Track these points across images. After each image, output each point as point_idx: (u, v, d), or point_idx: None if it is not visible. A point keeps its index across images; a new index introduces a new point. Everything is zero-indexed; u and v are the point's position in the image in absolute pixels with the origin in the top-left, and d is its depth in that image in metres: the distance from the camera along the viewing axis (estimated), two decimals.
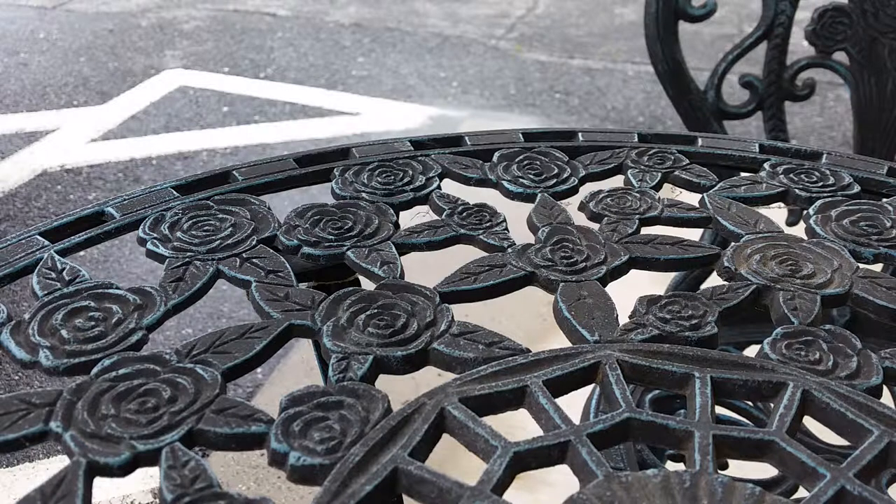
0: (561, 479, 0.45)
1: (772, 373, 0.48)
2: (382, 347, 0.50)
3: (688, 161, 0.73)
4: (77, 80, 3.37)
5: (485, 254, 0.60)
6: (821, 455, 0.42)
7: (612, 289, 0.57)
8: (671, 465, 0.82)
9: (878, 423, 0.44)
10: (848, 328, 0.52)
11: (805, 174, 0.71)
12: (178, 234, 0.61)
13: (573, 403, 0.53)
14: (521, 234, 0.63)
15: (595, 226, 0.64)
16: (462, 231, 0.63)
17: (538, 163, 0.72)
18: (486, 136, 0.76)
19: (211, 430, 0.44)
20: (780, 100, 1.20)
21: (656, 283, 0.75)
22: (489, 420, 0.44)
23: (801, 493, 0.43)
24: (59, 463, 1.19)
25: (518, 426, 0.51)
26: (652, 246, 0.61)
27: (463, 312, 0.52)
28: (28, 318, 0.52)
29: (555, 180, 0.70)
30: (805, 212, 0.66)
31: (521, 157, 0.73)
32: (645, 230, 0.64)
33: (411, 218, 0.66)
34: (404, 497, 0.42)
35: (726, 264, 0.59)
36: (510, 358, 0.48)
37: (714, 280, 0.59)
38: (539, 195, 0.68)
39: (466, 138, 0.76)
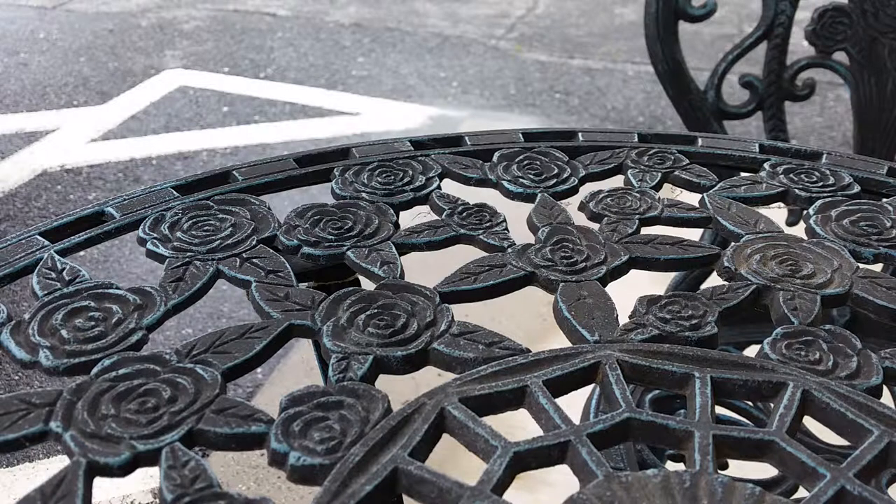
0: (561, 479, 0.45)
1: (772, 373, 0.48)
2: (382, 347, 0.50)
3: (688, 161, 0.73)
4: (77, 80, 3.37)
5: (485, 254, 0.60)
6: (821, 455, 0.42)
7: (612, 289, 0.57)
8: (671, 465, 0.82)
9: (878, 423, 0.44)
10: (848, 328, 0.52)
11: (805, 174, 0.71)
12: (178, 234, 0.61)
13: (573, 403, 0.53)
14: (521, 234, 0.63)
15: (595, 226, 0.64)
16: (462, 231, 0.63)
17: (538, 163, 0.72)
18: (486, 136, 0.76)
19: (211, 430, 0.44)
20: (780, 100, 1.20)
21: (656, 283, 0.75)
22: (489, 420, 0.44)
23: (801, 493, 0.43)
24: (59, 463, 1.19)
25: (518, 426, 0.51)
26: (652, 246, 0.61)
27: (463, 312, 0.52)
28: (28, 318, 0.52)
29: (555, 180, 0.70)
30: (805, 212, 0.66)
31: (521, 157, 0.73)
32: (645, 230, 0.64)
33: (412, 218, 0.66)
34: (404, 497, 0.42)
35: (726, 264, 0.59)
36: (510, 358, 0.48)
37: (714, 280, 0.59)
38: (539, 195, 0.68)
39: (466, 138, 0.76)
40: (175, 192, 0.67)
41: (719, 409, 0.68)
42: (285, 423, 0.43)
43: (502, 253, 0.60)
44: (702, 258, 0.60)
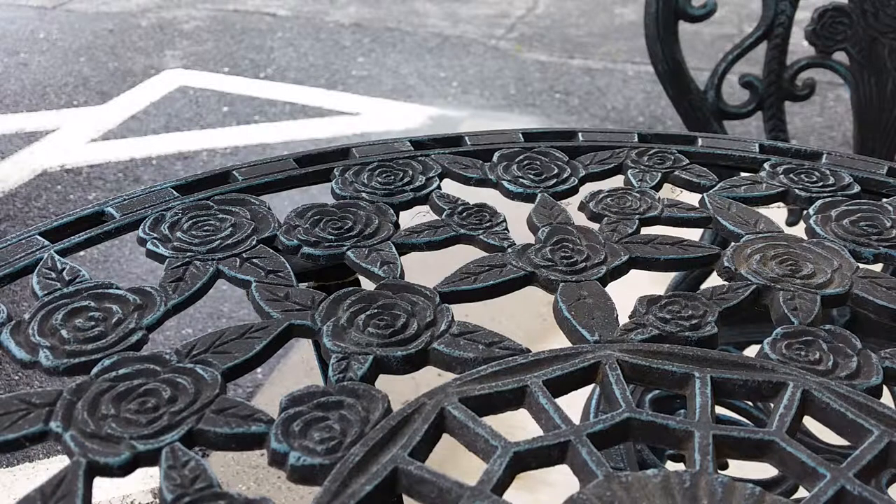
0: (561, 479, 0.45)
1: (772, 373, 0.48)
2: (382, 347, 0.50)
3: (688, 161, 0.73)
4: (77, 80, 3.37)
5: (485, 254, 0.60)
6: (821, 455, 0.42)
7: (612, 289, 0.57)
8: (671, 465, 0.82)
9: (878, 423, 0.44)
10: (848, 328, 0.52)
11: (805, 174, 0.71)
12: (178, 234, 0.61)
13: (573, 403, 0.53)
14: (521, 234, 0.63)
15: (595, 226, 0.64)
16: (462, 231, 0.63)
17: (538, 163, 0.72)
18: (486, 136, 0.76)
19: (211, 430, 0.44)
20: (780, 100, 1.20)
21: (656, 283, 0.75)
22: (489, 420, 0.44)
23: (801, 493, 0.43)
24: (59, 463, 1.19)
25: (518, 426, 0.51)
26: (652, 246, 0.61)
27: (463, 312, 0.52)
28: (28, 318, 0.52)
29: (555, 180, 0.70)
30: (805, 212, 0.66)
31: (521, 157, 0.73)
32: (645, 230, 0.64)
33: (411, 218, 0.66)
34: (404, 497, 0.42)
35: (726, 264, 0.59)
36: (510, 358, 0.48)
37: (714, 280, 0.59)
38: (539, 195, 0.68)
39: (466, 138, 0.76)
40: (175, 192, 0.67)
41: (719, 409, 0.68)
42: (285, 423, 0.43)
43: (502, 253, 0.60)
44: (702, 258, 0.60)
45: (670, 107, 1.46)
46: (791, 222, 1.00)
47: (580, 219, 0.65)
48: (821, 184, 0.69)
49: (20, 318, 0.52)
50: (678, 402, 0.93)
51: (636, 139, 0.78)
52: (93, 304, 0.53)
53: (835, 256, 0.59)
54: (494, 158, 0.73)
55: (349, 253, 0.60)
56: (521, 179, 0.70)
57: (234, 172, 0.69)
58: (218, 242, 0.60)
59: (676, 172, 0.71)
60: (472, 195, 0.68)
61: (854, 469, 0.41)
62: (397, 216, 0.65)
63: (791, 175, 0.71)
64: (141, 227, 0.62)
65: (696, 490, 0.39)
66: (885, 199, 0.67)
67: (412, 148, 0.75)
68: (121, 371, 0.47)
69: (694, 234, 0.71)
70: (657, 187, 0.70)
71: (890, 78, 1.13)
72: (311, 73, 3.44)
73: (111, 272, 2.16)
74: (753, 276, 0.57)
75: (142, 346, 0.51)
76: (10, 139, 2.88)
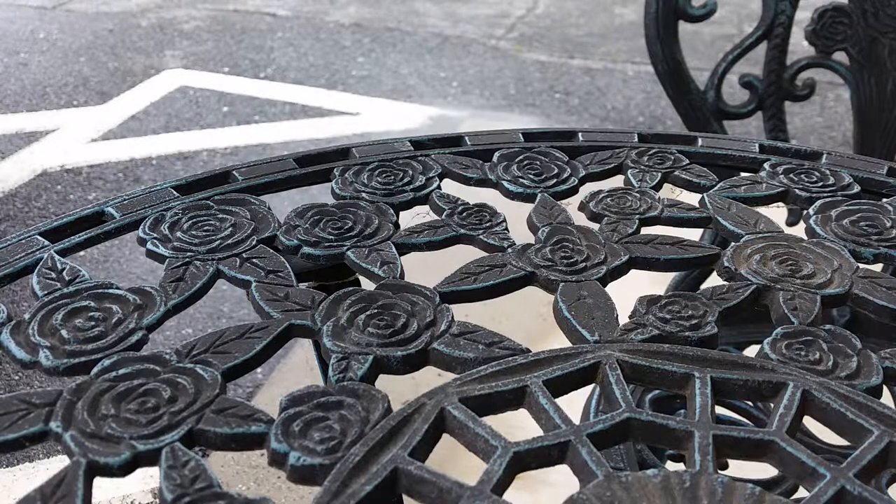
0: (561, 479, 0.45)
1: (772, 373, 0.48)
2: (382, 347, 0.50)
3: (688, 161, 0.73)
4: (77, 80, 3.37)
5: (485, 254, 0.60)
6: (821, 455, 0.42)
7: (612, 289, 0.57)
8: (671, 465, 0.82)
9: (878, 423, 0.44)
10: (848, 328, 0.52)
11: (805, 174, 0.71)
12: (178, 234, 0.61)
13: (573, 403, 0.53)
14: (521, 234, 0.63)
15: (595, 226, 0.64)
16: (462, 231, 0.63)
17: (538, 163, 0.72)
18: (486, 136, 0.76)
19: (211, 430, 0.44)
20: (780, 100, 1.20)
21: (656, 283, 0.75)
22: (489, 420, 0.44)
23: (801, 493, 0.43)
24: (59, 463, 1.19)
25: (518, 426, 0.51)
26: (652, 246, 0.61)
27: (463, 312, 0.52)
28: (28, 318, 0.52)
29: (555, 180, 0.70)
30: (805, 212, 0.66)
31: (521, 157, 0.73)
32: (645, 230, 0.64)
33: (411, 218, 0.66)
34: (404, 497, 0.42)
35: (726, 264, 0.59)
36: (510, 358, 0.48)
37: (714, 280, 0.59)
38: (539, 195, 0.68)
39: (466, 138, 0.76)
40: (175, 192, 0.67)
41: (719, 409, 0.68)
42: (285, 423, 0.43)
43: (502, 253, 0.60)
44: (702, 258, 0.60)
45: (670, 107, 1.46)
46: (791, 222, 1.00)
47: (580, 219, 0.65)
48: (821, 184, 0.69)
49: (20, 318, 0.52)
50: (678, 402, 0.93)
51: (636, 139, 0.78)
52: (93, 304, 0.53)
53: (835, 256, 0.59)
54: (494, 158, 0.73)
55: (349, 253, 0.60)
56: (521, 179, 0.70)
57: (234, 172, 0.69)
58: (218, 242, 0.60)
59: (676, 172, 0.71)
60: (472, 195, 0.68)
61: (854, 469, 0.41)
62: (397, 216, 0.65)
63: (791, 175, 0.71)
64: (141, 227, 0.62)
65: (696, 490, 0.39)
66: (885, 199, 0.67)
67: (412, 148, 0.75)
68: (121, 371, 0.47)
69: (694, 234, 0.71)
70: (657, 187, 0.70)
71: (890, 78, 1.13)
72: (311, 73, 3.44)
73: (111, 272, 2.16)
74: (753, 276, 0.57)
75: (142, 346, 0.51)
76: (10, 139, 2.88)
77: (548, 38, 3.80)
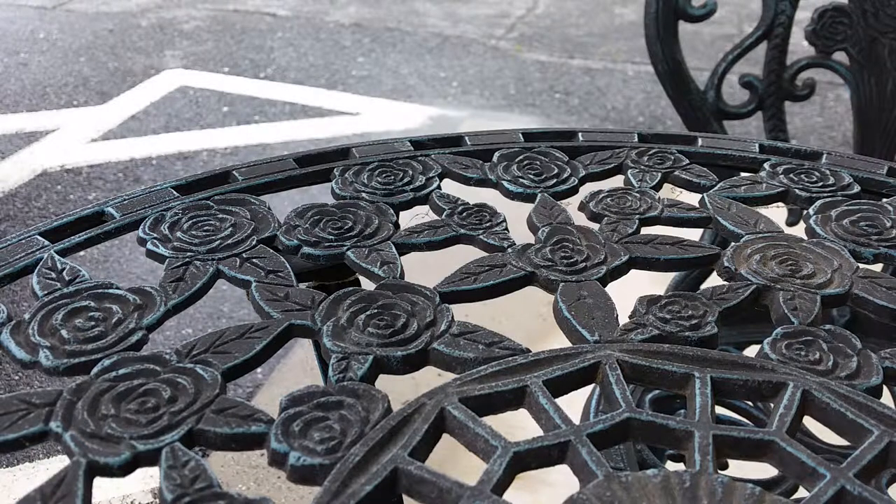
0: (561, 479, 0.45)
1: (772, 373, 0.48)
2: (382, 347, 0.50)
3: (688, 161, 0.73)
4: (77, 80, 3.37)
5: (485, 254, 0.60)
6: (821, 455, 0.42)
7: (612, 289, 0.57)
8: (671, 465, 0.82)
9: (878, 423, 0.44)
10: (848, 328, 0.52)
11: (805, 174, 0.71)
12: (178, 234, 0.61)
13: (573, 403, 0.53)
14: (521, 234, 0.63)
15: (595, 226, 0.64)
16: (462, 231, 0.63)
17: (538, 163, 0.72)
18: (486, 136, 0.76)
19: (211, 430, 0.44)
20: (780, 100, 1.20)
21: (656, 283, 0.75)
22: (489, 420, 0.44)
23: (801, 493, 0.43)
24: (59, 463, 1.19)
25: (518, 426, 0.51)
26: (652, 246, 0.61)
27: (463, 312, 0.52)
28: (28, 318, 0.52)
29: (555, 180, 0.70)
30: (805, 212, 0.66)
31: (521, 157, 0.73)
32: (645, 230, 0.64)
33: (411, 218, 0.66)
34: (404, 497, 0.42)
35: (726, 264, 0.59)
36: (510, 358, 0.48)
37: (714, 280, 0.59)
38: (539, 195, 0.68)
39: (466, 138, 0.76)
40: (175, 192, 0.67)
41: (719, 409, 0.68)
42: (285, 423, 0.43)
43: (502, 253, 0.60)
44: (702, 258, 0.60)
45: (670, 107, 1.46)
46: (791, 222, 1.00)
47: (580, 219, 0.65)
48: (821, 184, 0.69)
49: (20, 318, 0.52)
50: (678, 402, 0.93)
51: (636, 139, 0.78)
52: (93, 304, 0.53)
53: (835, 256, 0.59)
54: (494, 158, 0.73)
55: (349, 253, 0.60)
56: (521, 179, 0.70)
57: (234, 172, 0.69)
58: (218, 242, 0.60)
59: (676, 172, 0.71)
60: (472, 195, 0.68)
61: (854, 469, 0.41)
62: (397, 216, 0.65)
63: (791, 175, 0.71)
64: (141, 227, 0.62)
65: (696, 490, 0.39)
66: (885, 199, 0.67)
67: (412, 148, 0.75)
68: (121, 371, 0.47)
69: (694, 234, 0.71)
70: (657, 187, 0.70)
71: (890, 78, 1.13)
72: (311, 73, 3.44)
73: (111, 272, 2.16)
74: (753, 276, 0.57)
75: (142, 346, 0.51)
76: (10, 139, 2.88)
77: (548, 38, 3.80)
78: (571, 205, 0.68)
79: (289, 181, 0.70)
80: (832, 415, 0.46)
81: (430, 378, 0.53)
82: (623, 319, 0.53)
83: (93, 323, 0.52)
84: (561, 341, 0.51)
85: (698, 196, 0.68)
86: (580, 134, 0.78)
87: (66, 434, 0.43)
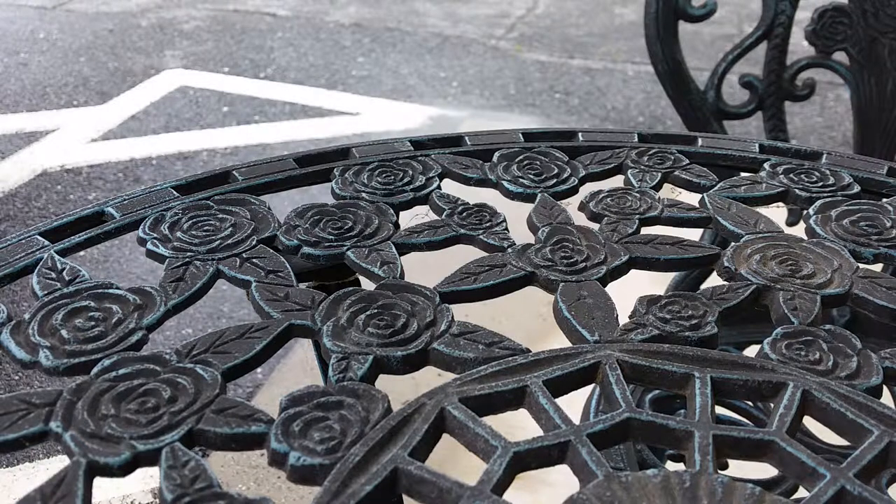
0: (561, 479, 0.45)
1: (772, 373, 0.48)
2: (382, 347, 0.50)
3: (688, 161, 0.73)
4: (77, 80, 3.37)
5: (485, 254, 0.60)
6: (821, 455, 0.42)
7: (612, 289, 0.57)
8: (671, 465, 0.82)
9: (878, 423, 0.44)
10: (848, 328, 0.52)
11: (805, 174, 0.71)
12: (178, 234, 0.61)
13: (573, 403, 0.53)
14: (521, 234, 0.63)
15: (595, 226, 0.64)
16: (462, 231, 0.63)
17: (538, 163, 0.72)
18: (486, 136, 0.76)
19: (211, 430, 0.44)
20: (780, 100, 1.20)
21: (656, 283, 0.75)
22: (489, 420, 0.44)
23: (801, 493, 0.43)
24: (59, 463, 1.19)
25: (518, 426, 0.51)
26: (652, 246, 0.61)
27: (463, 312, 0.52)
28: (28, 318, 0.52)
29: (555, 180, 0.70)
30: (805, 212, 0.66)
31: (521, 157, 0.73)
32: (645, 230, 0.64)
33: (411, 218, 0.66)
34: (404, 497, 0.42)
35: (726, 264, 0.59)
36: (510, 358, 0.48)
37: (714, 280, 0.59)
38: (539, 195, 0.68)
39: (466, 138, 0.76)
40: (175, 192, 0.67)
41: (719, 409, 0.68)
42: (285, 423, 0.43)
43: (502, 253, 0.60)
44: (702, 258, 0.60)
45: (670, 107, 1.46)
46: (791, 222, 1.00)
47: (580, 219, 0.65)
48: (821, 184, 0.69)
49: (20, 318, 0.52)
50: (678, 402, 0.93)
51: (636, 139, 0.78)
52: (93, 304, 0.53)
53: (835, 256, 0.59)
54: (494, 158, 0.73)
55: (349, 253, 0.60)
56: (521, 179, 0.70)
57: (234, 172, 0.69)
58: (218, 242, 0.60)
59: (676, 172, 0.71)
60: (472, 195, 0.68)
61: (854, 469, 0.41)
62: (397, 216, 0.65)
63: (791, 175, 0.71)
64: (141, 227, 0.62)
65: (696, 490, 0.39)
66: (885, 199, 0.67)
67: (412, 148, 0.75)
68: (121, 371, 0.47)
69: (694, 234, 0.71)
70: (657, 187, 0.70)
71: (890, 78, 1.13)
72: (311, 73, 3.44)
73: (111, 272, 2.16)
74: (753, 276, 0.57)
75: (142, 346, 0.51)
76: (10, 139, 2.88)
77: (548, 38, 3.80)
78: (571, 205, 0.68)
79: (289, 181, 0.70)
80: (832, 415, 0.46)
81: (430, 378, 0.53)
82: (623, 319, 0.53)
83: (93, 323, 0.52)
84: (561, 341, 0.51)
85: (698, 196, 0.68)
86: (580, 134, 0.78)
87: (66, 434, 0.43)
